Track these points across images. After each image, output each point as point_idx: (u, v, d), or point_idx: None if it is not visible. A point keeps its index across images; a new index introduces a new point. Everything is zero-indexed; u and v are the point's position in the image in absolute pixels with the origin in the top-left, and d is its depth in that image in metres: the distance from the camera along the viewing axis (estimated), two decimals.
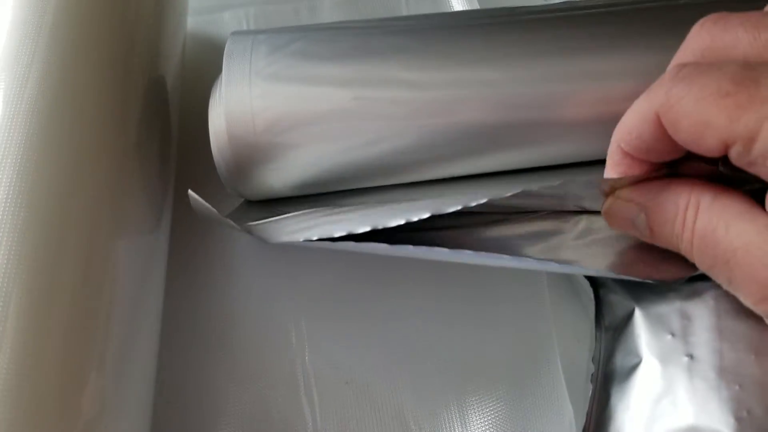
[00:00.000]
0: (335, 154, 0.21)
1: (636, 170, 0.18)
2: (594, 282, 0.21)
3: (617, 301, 0.20)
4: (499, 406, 0.22)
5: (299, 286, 0.24)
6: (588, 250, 0.20)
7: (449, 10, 0.30)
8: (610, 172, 0.18)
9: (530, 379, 0.22)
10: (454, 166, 0.22)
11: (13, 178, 0.16)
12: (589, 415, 0.19)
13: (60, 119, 0.17)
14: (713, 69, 0.15)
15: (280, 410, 0.22)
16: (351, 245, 0.18)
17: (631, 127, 0.17)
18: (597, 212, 0.20)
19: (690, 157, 0.17)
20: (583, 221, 0.21)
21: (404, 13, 0.30)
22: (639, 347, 0.18)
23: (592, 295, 0.21)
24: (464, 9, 0.30)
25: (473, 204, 0.17)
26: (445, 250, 0.18)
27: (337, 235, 0.18)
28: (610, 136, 0.19)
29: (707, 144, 0.15)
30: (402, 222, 0.17)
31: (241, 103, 0.20)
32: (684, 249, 0.17)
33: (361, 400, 0.22)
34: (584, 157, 0.22)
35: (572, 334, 0.23)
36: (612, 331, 0.20)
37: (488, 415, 0.22)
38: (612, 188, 0.18)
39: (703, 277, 0.17)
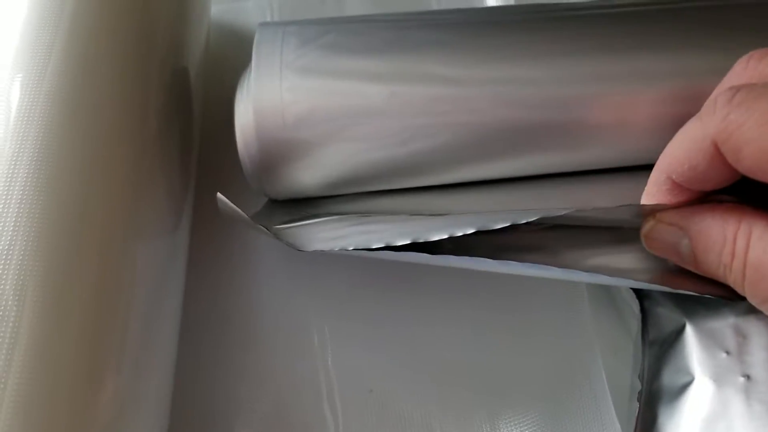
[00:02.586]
0: (367, 152, 0.20)
1: (684, 199, 0.17)
2: (638, 293, 0.20)
3: (664, 314, 0.19)
4: (535, 423, 0.21)
5: (322, 288, 0.23)
6: (633, 260, 0.19)
7: (481, 4, 0.29)
8: (654, 201, 0.17)
9: (569, 394, 0.21)
10: (488, 168, 0.21)
11: (30, 172, 0.15)
12: None
13: (79, 112, 0.16)
14: None
15: (301, 416, 0.21)
16: (389, 254, 0.17)
17: (682, 158, 0.16)
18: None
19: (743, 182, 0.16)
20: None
21: (434, 5, 0.29)
22: (690, 365, 0.17)
23: (636, 308, 0.20)
24: (498, 4, 0.29)
25: (522, 221, 0.16)
26: (489, 260, 0.17)
27: (374, 246, 0.17)
28: (656, 139, 0.18)
29: None
30: (445, 236, 0.16)
31: (270, 97, 0.19)
32: (733, 280, 0.16)
33: (385, 409, 0.21)
34: (628, 161, 0.21)
35: (612, 348, 0.22)
36: (658, 347, 0.19)
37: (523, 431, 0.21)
38: (653, 210, 0.17)
39: None
